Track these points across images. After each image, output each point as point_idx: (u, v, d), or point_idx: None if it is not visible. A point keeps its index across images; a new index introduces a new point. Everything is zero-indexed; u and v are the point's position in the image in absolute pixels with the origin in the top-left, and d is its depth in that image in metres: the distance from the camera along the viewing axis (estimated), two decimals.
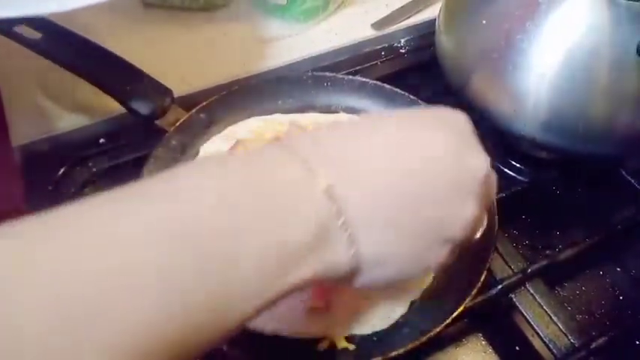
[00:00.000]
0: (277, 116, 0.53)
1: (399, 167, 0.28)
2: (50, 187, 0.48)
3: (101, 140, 0.52)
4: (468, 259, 0.41)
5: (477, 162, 0.30)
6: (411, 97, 0.53)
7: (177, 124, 0.49)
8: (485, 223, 0.33)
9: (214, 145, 0.50)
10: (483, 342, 0.43)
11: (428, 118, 0.31)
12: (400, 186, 0.27)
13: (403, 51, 0.64)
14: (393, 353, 0.36)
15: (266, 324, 0.39)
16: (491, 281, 0.43)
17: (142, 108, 0.48)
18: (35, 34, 0.48)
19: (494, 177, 0.32)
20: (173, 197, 0.22)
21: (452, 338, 0.43)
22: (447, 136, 0.29)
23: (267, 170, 0.25)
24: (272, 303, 0.24)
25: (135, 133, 0.51)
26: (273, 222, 0.23)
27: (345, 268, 0.26)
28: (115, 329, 0.18)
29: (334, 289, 0.40)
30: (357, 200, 0.26)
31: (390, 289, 0.40)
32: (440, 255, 0.30)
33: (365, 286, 0.29)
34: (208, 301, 0.21)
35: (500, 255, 0.45)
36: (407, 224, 0.28)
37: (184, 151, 0.49)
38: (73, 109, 0.54)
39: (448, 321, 0.37)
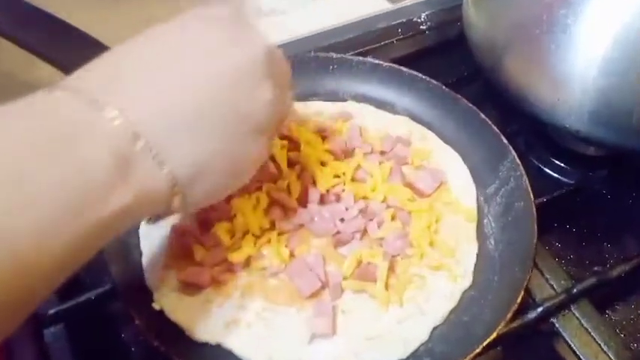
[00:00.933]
0: None
1: (184, 74, 0.32)
2: None
3: None
4: (502, 277, 0.44)
5: (252, 44, 0.35)
6: (433, 82, 0.53)
7: None
8: (289, 102, 0.40)
9: None
10: None
11: (198, 19, 0.35)
12: (191, 91, 0.32)
13: (424, 27, 0.65)
14: None
15: (258, 353, 0.39)
16: (529, 303, 0.43)
17: None
18: None
19: (278, 52, 0.38)
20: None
21: None
22: (217, 31, 0.34)
23: (51, 112, 0.29)
24: (91, 240, 0.28)
25: None
26: (64, 157, 0.27)
27: (163, 190, 0.31)
28: None
29: (337, 311, 0.41)
30: (154, 118, 0.30)
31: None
32: (256, 148, 0.35)
33: (191, 207, 0.34)
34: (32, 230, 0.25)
35: (540, 271, 0.45)
36: (209, 125, 0.32)
37: None
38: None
39: (478, 350, 0.38)
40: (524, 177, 0.47)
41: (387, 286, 0.42)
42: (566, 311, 0.43)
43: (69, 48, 0.49)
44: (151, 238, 0.44)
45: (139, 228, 0.44)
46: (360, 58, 0.55)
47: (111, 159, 0.28)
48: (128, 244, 0.43)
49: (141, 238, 0.44)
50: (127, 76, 0.31)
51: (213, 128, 0.32)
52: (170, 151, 0.31)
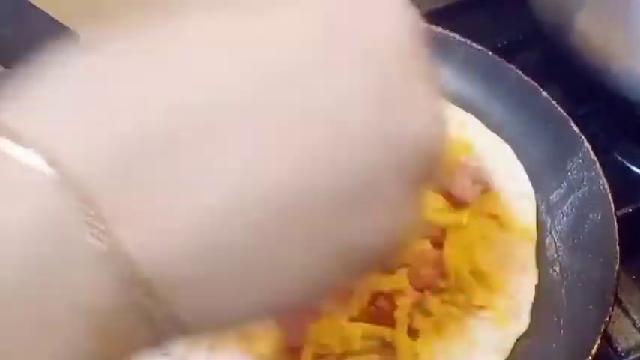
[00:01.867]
0: None
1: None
2: None
3: None
4: (571, 318, 0.42)
5: (420, 121, 0.24)
6: (476, 46, 0.52)
7: None
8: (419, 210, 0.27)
9: None
10: None
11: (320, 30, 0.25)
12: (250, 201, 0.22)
13: None
14: None
15: None
16: (609, 353, 0.42)
17: None
18: None
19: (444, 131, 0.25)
20: None
21: None
22: (363, 75, 0.23)
23: None
24: None
25: None
26: None
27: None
28: None
29: None
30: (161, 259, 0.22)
31: None
32: (350, 275, 0.26)
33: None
34: None
35: (624, 310, 0.44)
36: (271, 276, 0.23)
37: None
38: None
39: None
40: (602, 179, 0.45)
41: (410, 332, 0.41)
42: None
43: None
44: None
45: None
46: None
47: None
48: None
49: None
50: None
51: (283, 283, 0.24)
52: (194, 310, 0.23)
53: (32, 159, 0.21)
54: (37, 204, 0.21)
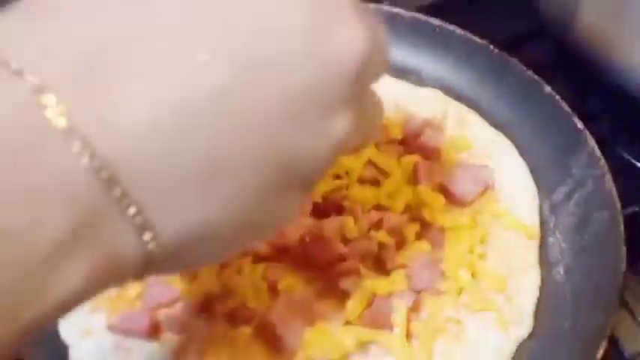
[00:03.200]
0: None
1: (199, 67, 0.26)
2: None
3: None
4: (575, 321, 0.42)
5: (349, 40, 0.28)
6: (477, 40, 0.52)
7: None
8: (371, 133, 0.33)
9: None
10: None
11: None
12: (206, 106, 0.25)
13: None
14: None
15: None
16: (615, 356, 0.43)
17: None
18: None
19: (381, 55, 0.31)
20: None
21: None
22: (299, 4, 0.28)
23: None
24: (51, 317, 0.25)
25: None
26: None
27: (136, 259, 0.26)
28: None
29: None
30: (137, 156, 0.25)
31: None
32: (289, 208, 0.30)
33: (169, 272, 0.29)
34: None
35: (631, 313, 0.45)
36: (230, 174, 0.27)
37: None
38: None
39: None
40: (608, 176, 0.46)
41: (408, 336, 0.42)
42: None
43: None
44: None
45: None
46: (374, 5, 0.54)
47: (68, 211, 0.24)
48: None
49: None
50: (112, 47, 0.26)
51: (236, 179, 0.27)
52: (161, 208, 0.26)
53: (7, 72, 0.24)
54: (11, 100, 0.24)
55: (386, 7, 0.54)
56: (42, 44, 0.25)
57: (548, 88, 0.49)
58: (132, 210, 0.25)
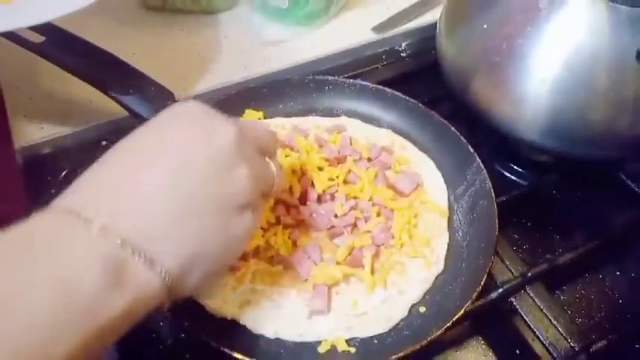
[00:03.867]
0: (279, 119, 0.53)
1: (162, 176, 0.29)
2: (52, 190, 0.48)
3: (103, 142, 0.52)
4: (469, 263, 0.44)
5: (222, 131, 0.31)
6: (412, 100, 0.53)
7: None
8: (275, 167, 0.36)
9: None
10: (484, 345, 0.43)
11: (166, 121, 0.32)
12: (170, 191, 0.29)
13: (404, 55, 0.64)
14: (394, 357, 0.36)
15: (267, 327, 0.39)
16: (491, 285, 0.43)
17: (144, 110, 0.48)
18: (38, 38, 0.47)
19: (253, 128, 0.34)
20: None
21: (452, 342, 0.43)
22: (189, 127, 0.31)
23: (34, 229, 0.26)
24: (95, 344, 0.25)
25: None
26: (51, 271, 0.24)
27: (160, 287, 0.28)
28: None
29: (332, 292, 0.41)
30: (139, 223, 0.28)
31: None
32: (245, 222, 0.32)
33: (193, 291, 0.31)
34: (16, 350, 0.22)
35: (501, 259, 0.45)
36: (194, 216, 0.29)
37: None
38: (76, 112, 0.54)
39: (449, 324, 0.38)
40: (488, 180, 0.47)
41: (372, 272, 0.42)
42: (522, 292, 0.43)
43: (105, 70, 0.49)
44: None
45: None
46: (351, 80, 0.55)
47: (101, 267, 0.25)
48: None
49: None
50: (108, 189, 0.28)
51: (199, 218, 0.29)
52: (160, 249, 0.28)
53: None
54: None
55: (359, 81, 0.54)
56: (99, 190, 0.29)
57: (453, 128, 0.50)
58: (142, 255, 0.27)
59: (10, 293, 0.23)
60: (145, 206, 0.28)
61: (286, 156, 0.48)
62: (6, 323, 0.22)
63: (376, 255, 0.43)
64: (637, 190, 0.51)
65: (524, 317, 0.42)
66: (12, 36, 0.46)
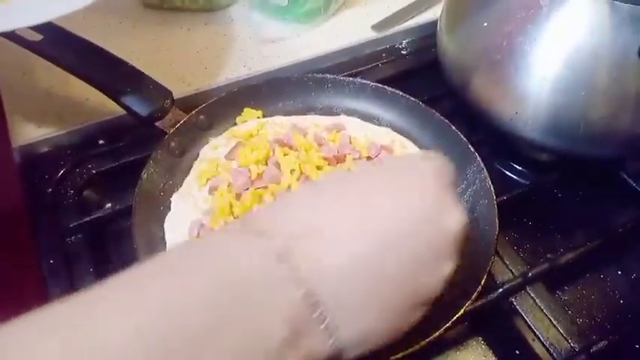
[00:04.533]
0: (278, 118, 0.53)
1: (370, 236, 0.26)
2: (49, 189, 0.48)
3: (100, 141, 0.52)
4: (469, 263, 0.41)
5: (454, 218, 0.29)
6: (412, 99, 0.53)
7: (177, 125, 0.49)
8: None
9: (213, 147, 0.50)
10: (484, 345, 0.43)
11: (398, 173, 0.30)
12: (374, 258, 0.26)
13: (404, 53, 0.64)
14: (392, 357, 0.36)
15: None
16: (492, 285, 0.43)
17: (142, 109, 0.48)
18: (36, 36, 0.47)
19: (466, 222, 0.31)
20: (141, 304, 0.21)
21: (452, 342, 0.43)
22: (421, 195, 0.28)
23: (231, 262, 0.24)
24: None
25: (134, 134, 0.52)
26: (243, 319, 0.23)
27: (325, 356, 0.26)
28: None
29: None
30: (331, 284, 0.25)
31: None
32: (415, 318, 0.29)
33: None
34: None
35: (501, 258, 0.45)
36: (385, 298, 0.27)
37: (184, 153, 0.49)
38: (73, 110, 0.54)
39: (448, 324, 0.37)
40: (488, 179, 0.46)
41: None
42: (523, 292, 0.43)
43: (103, 69, 0.49)
44: (176, 232, 0.43)
45: (164, 222, 0.44)
46: (351, 78, 0.55)
47: (287, 328, 0.23)
48: (153, 237, 0.43)
49: (166, 232, 0.43)
50: (318, 226, 0.26)
51: (387, 302, 0.27)
52: (340, 319, 0.25)
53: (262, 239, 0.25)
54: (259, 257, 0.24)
55: (359, 80, 0.54)
56: (287, 223, 0.26)
57: (453, 127, 0.50)
58: (325, 322, 0.24)
59: (195, 337, 0.21)
60: (341, 260, 0.25)
61: (285, 155, 0.48)
62: None
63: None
64: (639, 189, 0.51)
65: (525, 317, 0.42)
66: (9, 34, 0.47)
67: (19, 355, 0.19)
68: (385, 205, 0.27)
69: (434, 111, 0.52)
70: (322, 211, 0.27)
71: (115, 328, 0.20)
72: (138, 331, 0.20)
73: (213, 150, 0.50)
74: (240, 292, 0.23)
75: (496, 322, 0.43)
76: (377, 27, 0.66)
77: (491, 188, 0.46)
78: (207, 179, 0.46)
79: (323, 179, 0.29)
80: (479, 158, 0.48)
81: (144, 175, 0.45)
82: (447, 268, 0.29)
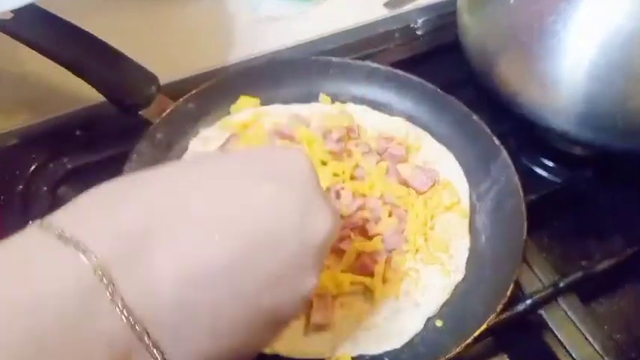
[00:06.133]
0: (277, 107, 0.53)
1: (214, 245, 0.24)
2: (20, 187, 0.48)
3: (77, 132, 0.52)
4: (493, 270, 0.44)
5: (323, 224, 0.27)
6: (429, 85, 0.53)
7: (164, 115, 0.49)
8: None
9: (204, 139, 0.50)
10: None
11: (255, 170, 0.28)
12: (217, 276, 0.24)
13: (420, 33, 0.64)
14: None
15: None
16: (518, 296, 0.43)
17: (124, 97, 0.48)
18: (6, 14, 0.46)
19: (339, 224, 0.30)
20: None
21: (474, 359, 0.43)
22: (285, 197, 0.27)
23: (39, 283, 0.23)
24: None
25: (116, 124, 0.51)
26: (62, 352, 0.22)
27: None
28: None
29: (336, 303, 0.41)
30: (161, 311, 0.24)
31: None
32: (272, 337, 0.29)
33: None
34: None
35: (529, 266, 0.45)
36: (229, 318, 0.25)
37: (171, 146, 0.49)
38: (47, 98, 0.53)
39: (469, 340, 0.38)
40: (515, 176, 0.47)
41: (383, 280, 0.42)
42: (553, 304, 0.43)
43: (80, 50, 0.48)
44: None
45: None
46: (359, 62, 0.55)
47: (107, 347, 0.23)
48: None
49: None
50: (151, 233, 0.24)
51: (232, 318, 0.25)
52: (174, 345, 0.24)
53: (70, 251, 0.23)
54: (72, 279, 0.23)
55: (368, 63, 0.54)
56: (103, 228, 0.24)
57: (475, 117, 0.50)
58: (155, 350, 0.24)
59: None
60: (177, 279, 0.24)
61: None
62: None
63: (387, 261, 0.43)
64: None
65: (555, 332, 0.42)
66: None
67: None
68: (234, 212, 0.25)
69: (453, 98, 0.52)
70: (157, 215, 0.25)
71: None
72: None
73: (204, 142, 0.50)
74: (52, 322, 0.22)
75: (523, 338, 0.43)
76: (389, 4, 0.65)
77: (519, 186, 0.46)
78: None
79: (151, 170, 0.27)
80: (504, 152, 0.48)
81: (126, 170, 0.44)
82: (310, 283, 0.27)
